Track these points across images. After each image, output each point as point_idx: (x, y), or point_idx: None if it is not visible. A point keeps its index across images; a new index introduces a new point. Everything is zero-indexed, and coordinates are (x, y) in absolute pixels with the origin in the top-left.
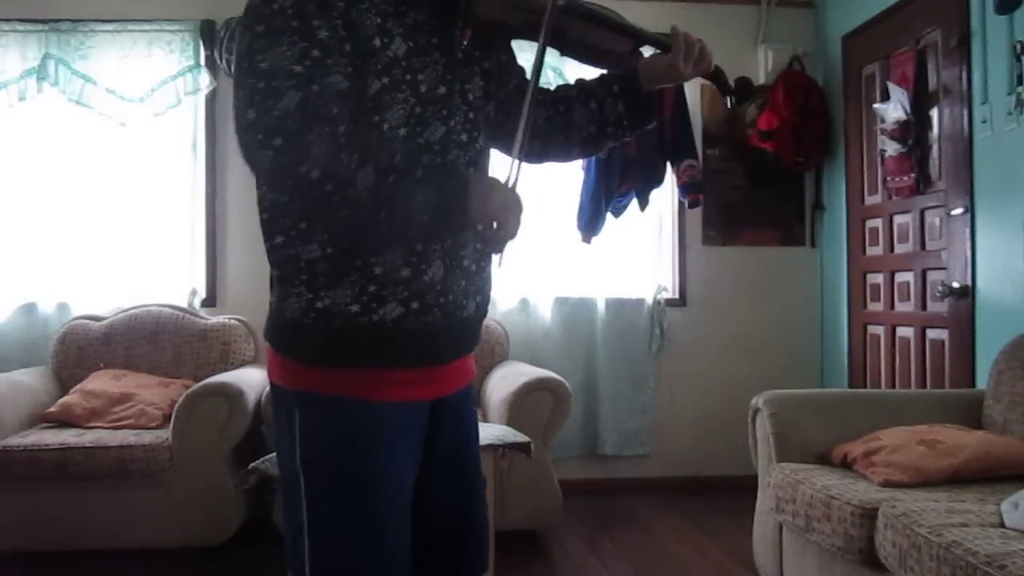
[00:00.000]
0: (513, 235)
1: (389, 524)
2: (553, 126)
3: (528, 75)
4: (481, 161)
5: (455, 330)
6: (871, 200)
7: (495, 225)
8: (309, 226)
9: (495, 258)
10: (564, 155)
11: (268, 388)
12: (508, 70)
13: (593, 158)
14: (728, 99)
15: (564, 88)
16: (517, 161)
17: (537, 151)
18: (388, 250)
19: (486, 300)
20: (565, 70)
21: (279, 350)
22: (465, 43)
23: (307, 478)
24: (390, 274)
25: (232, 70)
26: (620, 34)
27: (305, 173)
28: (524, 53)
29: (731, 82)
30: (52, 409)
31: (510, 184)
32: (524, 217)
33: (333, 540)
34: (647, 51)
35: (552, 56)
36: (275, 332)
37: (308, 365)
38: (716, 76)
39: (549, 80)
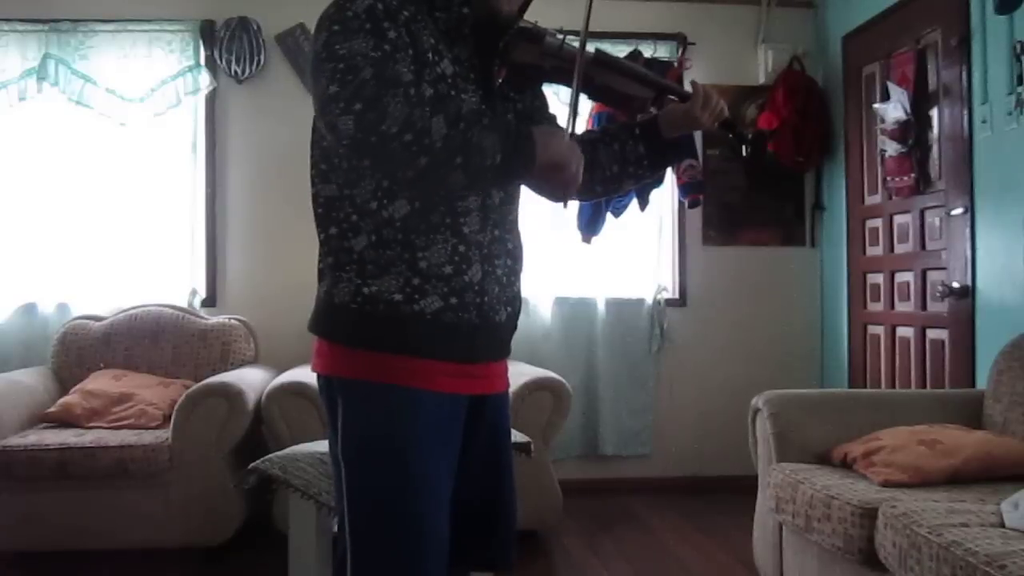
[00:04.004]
0: (577, 179)
1: (426, 514)
2: None
3: (558, 121)
4: (512, 190)
5: (489, 332)
6: (871, 200)
7: (560, 167)
8: (360, 217)
9: (560, 205)
10: (587, 194)
11: (268, 389)
12: (540, 113)
13: None
14: (743, 148)
15: (589, 132)
16: (571, 120)
17: None
18: (434, 246)
19: (516, 313)
20: None
21: (324, 333)
22: (500, 80)
23: (347, 468)
24: (434, 269)
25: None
26: (642, 83)
27: (386, 130)
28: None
29: (747, 133)
30: (52, 409)
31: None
32: (582, 167)
33: (371, 529)
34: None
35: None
36: (322, 318)
37: (351, 348)
38: (731, 125)
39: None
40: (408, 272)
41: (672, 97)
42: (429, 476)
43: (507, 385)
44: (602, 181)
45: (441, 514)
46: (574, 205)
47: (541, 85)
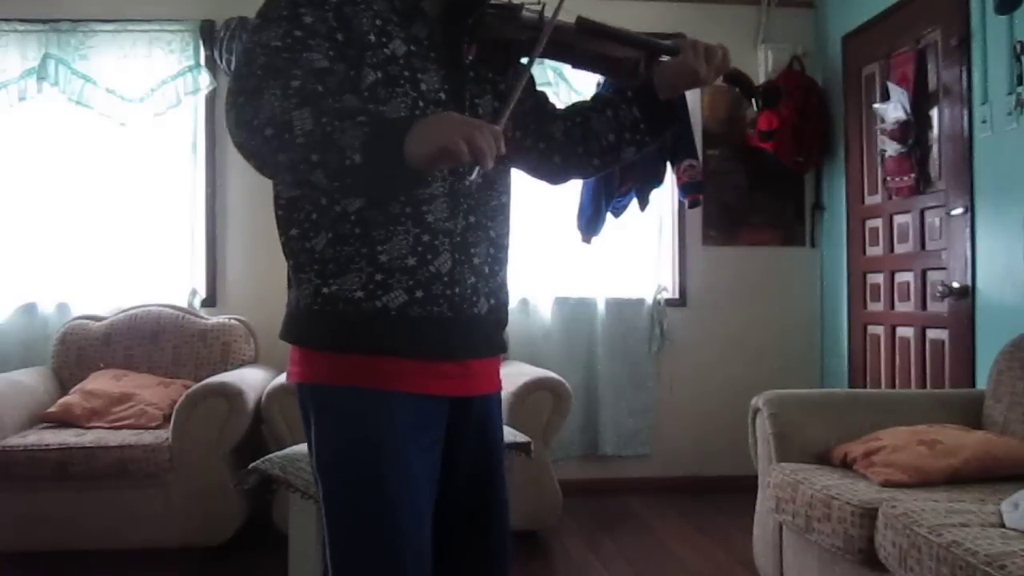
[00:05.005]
0: (478, 153)
1: (404, 525)
2: (572, 137)
3: (546, 99)
4: (491, 175)
5: (465, 326)
6: (871, 200)
7: (444, 155)
8: (319, 215)
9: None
10: (585, 167)
11: (268, 389)
12: (525, 90)
13: None
14: (753, 102)
15: (581, 102)
16: (513, 95)
17: (559, 166)
18: (395, 238)
19: (501, 305)
20: (567, 73)
21: (291, 339)
22: (470, 58)
23: (323, 478)
24: (396, 262)
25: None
26: (630, 45)
27: (257, 125)
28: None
29: (758, 85)
30: (52, 409)
31: (499, 123)
32: (491, 142)
33: (348, 540)
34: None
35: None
36: (289, 323)
37: (316, 351)
38: (737, 78)
39: (549, 80)
40: (369, 267)
41: (666, 57)
42: (407, 485)
43: (498, 386)
44: (599, 153)
45: (421, 525)
46: (574, 204)
47: (516, 60)
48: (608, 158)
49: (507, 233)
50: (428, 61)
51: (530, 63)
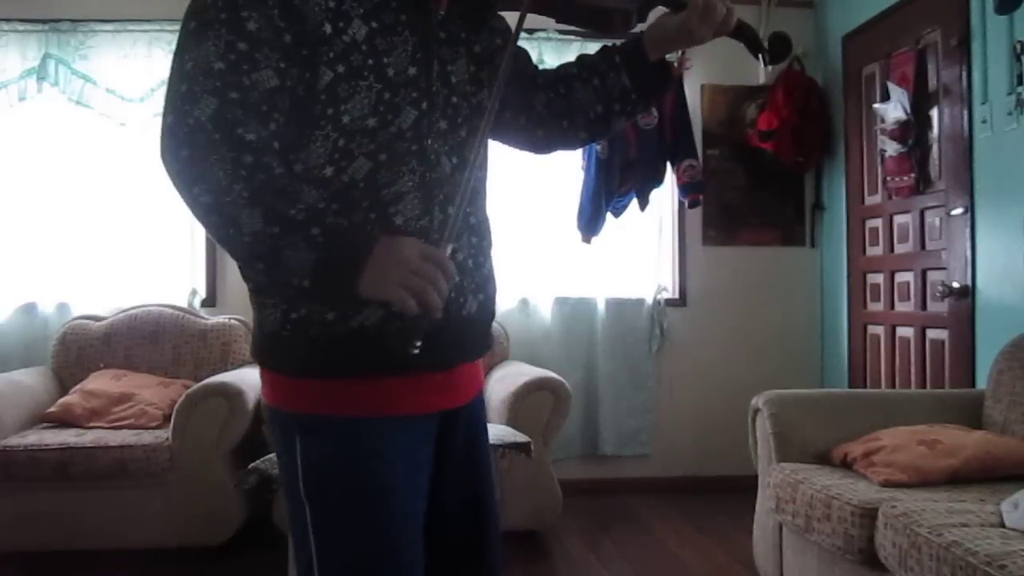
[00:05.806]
0: (422, 310)
1: (404, 550)
2: (555, 110)
3: (528, 59)
4: (467, 152)
5: (454, 330)
6: (871, 200)
7: (399, 308)
8: None
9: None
10: (572, 141)
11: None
12: (502, 53)
13: (593, 157)
14: (760, 57)
15: (564, 66)
16: (459, 207)
17: (542, 140)
18: None
19: (490, 300)
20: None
21: (264, 364)
22: (442, 13)
23: (312, 508)
24: None
25: None
26: None
27: (197, 194)
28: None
29: (764, 40)
30: (52, 409)
31: (445, 239)
32: (443, 288)
33: (345, 572)
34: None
35: (550, 52)
36: (258, 347)
37: (294, 378)
38: (742, 33)
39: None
40: None
41: (662, 9)
42: (402, 504)
43: (480, 385)
44: (586, 126)
45: (417, 540)
46: (574, 204)
47: (494, 14)
48: (596, 130)
49: (487, 216)
50: (395, 35)
51: (515, 38)
